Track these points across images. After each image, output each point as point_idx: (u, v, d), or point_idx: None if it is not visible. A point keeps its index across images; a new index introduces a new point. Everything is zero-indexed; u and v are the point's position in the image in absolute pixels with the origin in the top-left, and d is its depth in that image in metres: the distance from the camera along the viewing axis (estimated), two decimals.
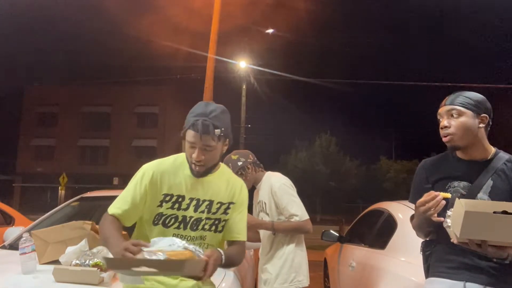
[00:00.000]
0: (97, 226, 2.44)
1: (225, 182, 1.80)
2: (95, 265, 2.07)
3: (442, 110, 1.79)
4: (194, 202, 1.72)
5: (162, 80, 29.62)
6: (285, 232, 2.62)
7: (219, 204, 1.76)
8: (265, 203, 2.70)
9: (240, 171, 2.66)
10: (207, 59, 12.71)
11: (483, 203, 1.58)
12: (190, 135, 1.64)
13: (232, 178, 1.86)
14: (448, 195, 1.66)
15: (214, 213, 1.75)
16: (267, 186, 2.69)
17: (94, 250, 2.22)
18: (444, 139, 1.77)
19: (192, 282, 1.64)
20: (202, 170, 1.69)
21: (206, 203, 1.73)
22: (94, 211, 3.48)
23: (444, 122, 1.76)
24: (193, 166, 1.69)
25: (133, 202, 1.69)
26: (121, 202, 1.70)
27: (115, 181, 29.25)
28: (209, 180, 1.75)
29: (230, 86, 22.22)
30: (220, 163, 1.83)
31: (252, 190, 2.80)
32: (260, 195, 2.75)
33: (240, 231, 1.79)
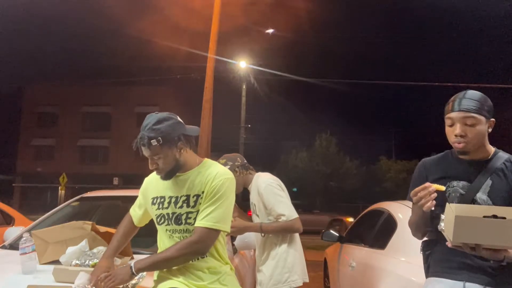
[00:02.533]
0: (97, 226, 2.45)
1: (201, 176, 1.85)
2: (95, 265, 2.07)
3: (455, 115, 1.72)
4: (173, 200, 1.86)
5: (162, 80, 29.55)
6: (274, 233, 2.61)
7: (195, 197, 1.84)
8: (255, 205, 2.71)
9: None
10: (207, 59, 12.73)
11: (473, 207, 1.57)
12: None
13: (211, 170, 1.86)
14: (442, 187, 1.66)
15: (193, 206, 1.83)
16: (255, 187, 2.69)
17: (94, 250, 2.22)
18: (456, 145, 1.73)
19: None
20: (162, 175, 1.84)
21: (183, 198, 1.85)
22: (94, 211, 3.47)
23: (459, 130, 1.70)
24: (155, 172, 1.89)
25: (139, 207, 2.05)
26: (134, 205, 2.08)
27: (115, 181, 29.18)
28: (187, 177, 1.87)
29: (230, 86, 22.25)
30: (205, 159, 1.94)
31: (246, 193, 2.81)
32: (251, 197, 2.76)
33: (202, 218, 1.79)
